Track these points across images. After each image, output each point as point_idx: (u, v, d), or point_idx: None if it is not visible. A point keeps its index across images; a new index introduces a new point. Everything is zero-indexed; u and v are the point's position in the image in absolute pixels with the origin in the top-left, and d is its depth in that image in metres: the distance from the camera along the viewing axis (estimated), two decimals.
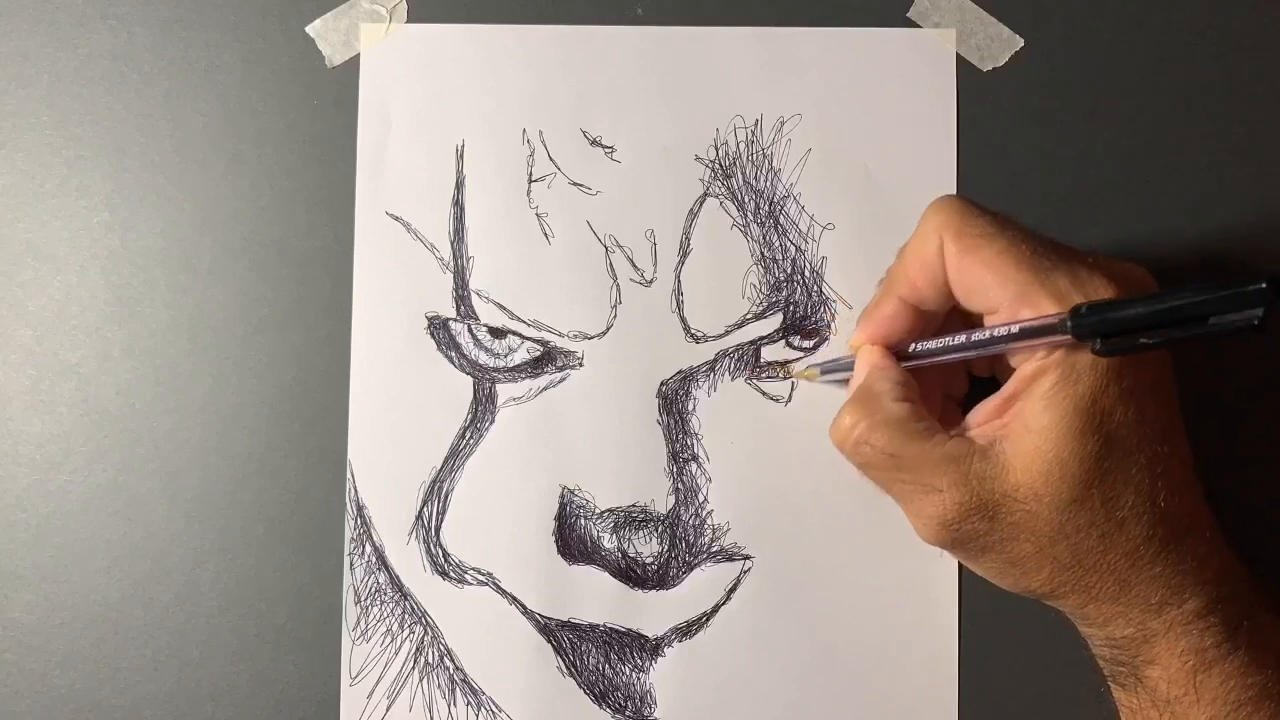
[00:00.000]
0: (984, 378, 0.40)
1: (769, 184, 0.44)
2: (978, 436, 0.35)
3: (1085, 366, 0.32)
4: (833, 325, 0.43)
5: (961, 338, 0.35)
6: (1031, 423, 0.33)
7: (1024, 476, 0.33)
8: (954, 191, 0.44)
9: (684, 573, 0.43)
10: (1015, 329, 0.33)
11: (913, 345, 0.38)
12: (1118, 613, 0.34)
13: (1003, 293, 0.34)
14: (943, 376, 0.40)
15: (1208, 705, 0.34)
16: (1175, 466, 0.34)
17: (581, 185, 0.44)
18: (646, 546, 0.43)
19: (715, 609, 0.43)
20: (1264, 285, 0.28)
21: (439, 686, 0.43)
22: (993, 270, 0.34)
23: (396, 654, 0.43)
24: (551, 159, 0.44)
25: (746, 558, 0.43)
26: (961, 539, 0.34)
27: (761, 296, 0.43)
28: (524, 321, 0.43)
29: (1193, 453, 0.35)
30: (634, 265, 0.43)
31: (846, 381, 0.41)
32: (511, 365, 0.44)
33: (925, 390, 0.39)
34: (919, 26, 0.44)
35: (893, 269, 0.38)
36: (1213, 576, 0.34)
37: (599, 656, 0.43)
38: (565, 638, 0.43)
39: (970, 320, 0.37)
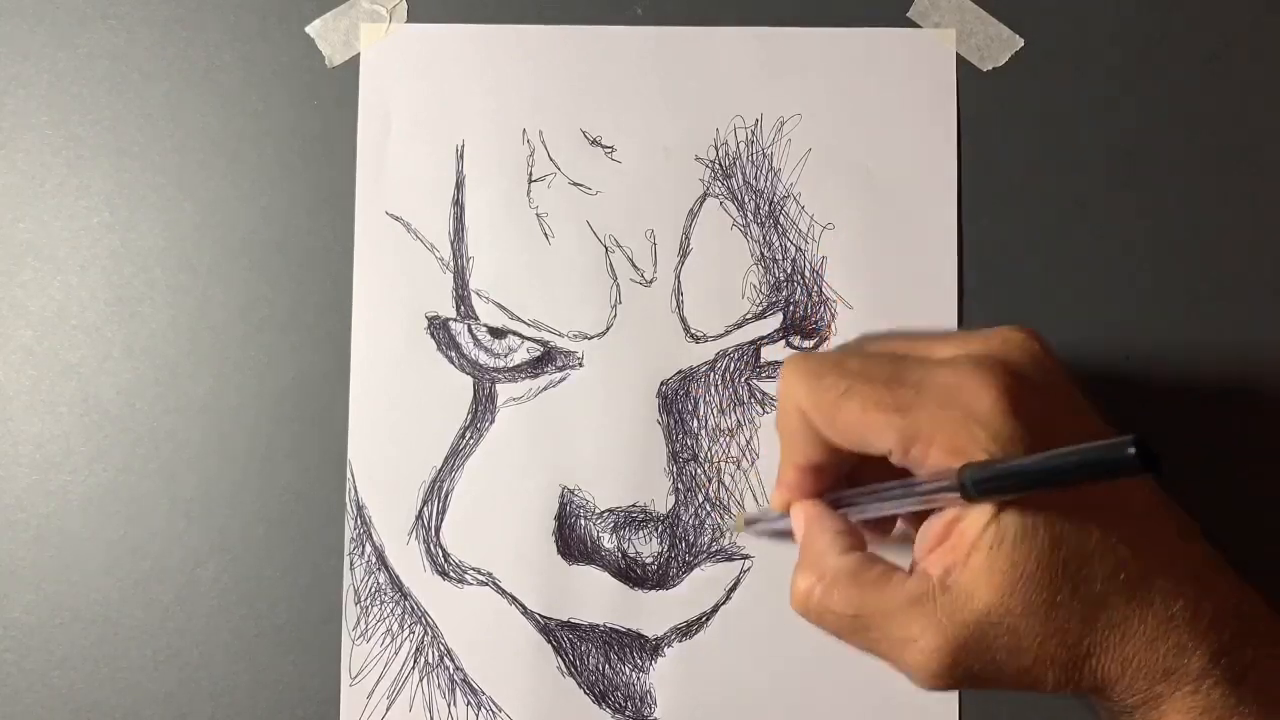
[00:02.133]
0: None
1: (769, 184, 0.44)
2: (931, 566, 0.32)
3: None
4: (833, 325, 0.43)
5: (876, 498, 0.35)
6: (979, 540, 0.31)
7: (990, 596, 0.31)
8: (954, 190, 0.43)
9: (684, 573, 0.43)
10: (918, 490, 0.32)
11: (835, 497, 0.36)
12: (1124, 685, 0.32)
13: (886, 440, 0.32)
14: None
15: None
16: (1134, 520, 0.32)
17: (581, 185, 0.44)
18: (646, 546, 0.43)
19: (715, 609, 0.43)
20: (1132, 452, 0.27)
21: (439, 686, 0.43)
22: (864, 425, 0.33)
23: (396, 654, 0.43)
24: (551, 159, 0.44)
25: (746, 558, 0.43)
26: (958, 678, 0.32)
27: (761, 296, 0.43)
28: (524, 321, 0.43)
29: (1157, 489, 0.34)
30: (634, 265, 0.43)
31: (775, 533, 0.40)
32: (511, 365, 0.44)
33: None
34: (919, 26, 0.44)
35: (781, 441, 0.36)
36: (1209, 625, 0.32)
37: (599, 656, 0.43)
38: (565, 638, 0.43)
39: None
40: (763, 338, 0.43)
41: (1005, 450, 0.31)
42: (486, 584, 0.43)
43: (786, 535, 0.37)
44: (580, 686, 0.43)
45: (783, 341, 0.43)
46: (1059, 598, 0.31)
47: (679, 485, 0.43)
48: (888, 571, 0.33)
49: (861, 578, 0.33)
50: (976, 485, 0.31)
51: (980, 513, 0.31)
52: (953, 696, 0.42)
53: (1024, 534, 0.31)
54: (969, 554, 0.32)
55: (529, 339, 0.43)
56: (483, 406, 0.43)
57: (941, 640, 0.32)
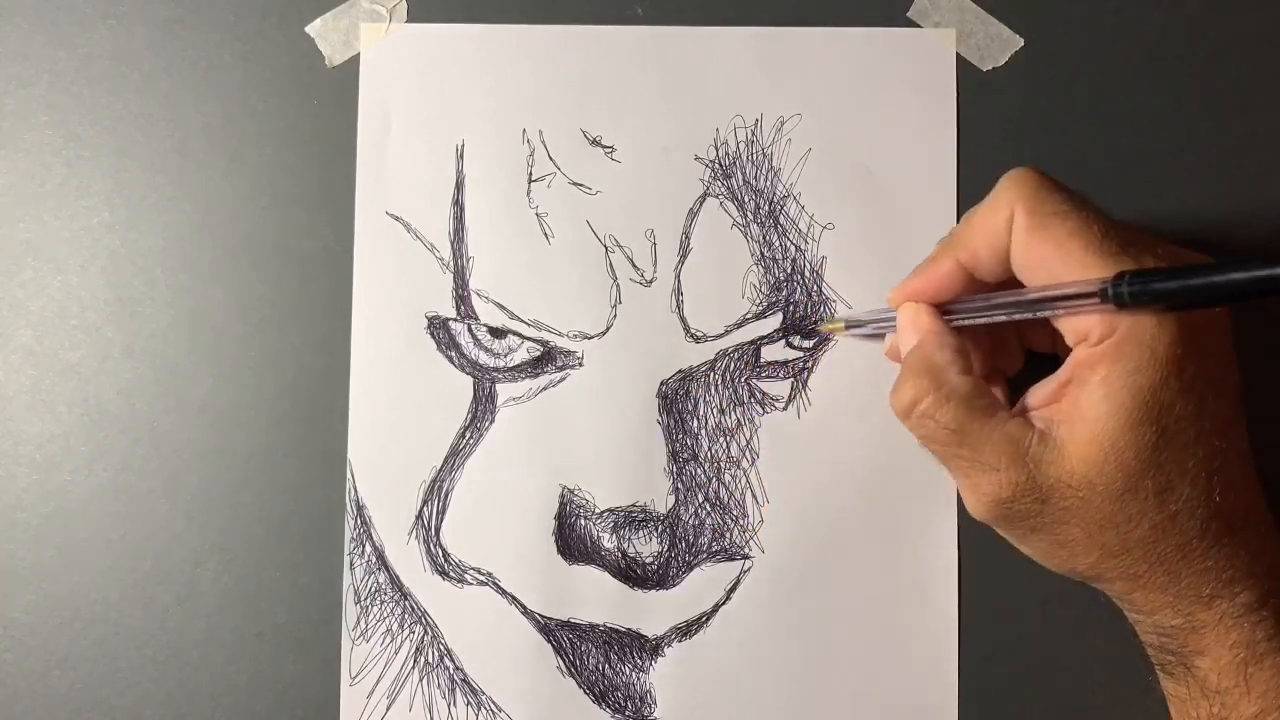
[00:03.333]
0: (1046, 354, 0.40)
1: (769, 184, 0.44)
2: (1036, 419, 0.34)
3: (1146, 358, 0.32)
4: None
5: (1000, 298, 0.35)
6: (1088, 410, 0.33)
7: (1079, 464, 0.33)
8: (954, 190, 0.44)
9: (684, 572, 0.43)
10: (1055, 292, 0.33)
11: (950, 304, 0.37)
12: (1166, 602, 0.34)
13: (1066, 273, 0.33)
14: (994, 349, 0.40)
15: (1259, 698, 0.34)
16: (1234, 462, 0.34)
17: (581, 185, 0.44)
18: (646, 546, 0.43)
19: (715, 609, 0.43)
20: None
21: (439, 686, 0.43)
22: (1060, 249, 0.33)
23: (396, 654, 0.43)
24: (551, 159, 0.44)
25: (746, 558, 0.43)
26: (1012, 517, 0.34)
27: (761, 296, 0.43)
28: (524, 321, 0.43)
29: (1250, 450, 0.35)
30: (634, 265, 0.43)
31: (871, 337, 0.41)
32: (511, 365, 0.44)
33: (978, 361, 0.39)
34: (919, 26, 0.44)
35: (955, 231, 0.37)
36: (1265, 571, 0.34)
37: (599, 656, 0.43)
38: (565, 638, 0.43)
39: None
40: (763, 337, 0.43)
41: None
42: (486, 584, 0.43)
43: (876, 338, 0.39)
44: (580, 686, 0.43)
45: (782, 341, 0.43)
46: (1138, 497, 0.33)
47: (679, 485, 0.43)
48: (995, 404, 0.35)
49: (974, 402, 0.35)
50: (1134, 294, 0.31)
51: (1106, 383, 0.32)
52: (952, 698, 0.42)
53: (1138, 423, 0.32)
54: (1077, 421, 0.33)
55: (529, 339, 0.43)
56: (483, 406, 0.43)
57: (1020, 478, 0.33)
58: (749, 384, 0.43)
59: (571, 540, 0.43)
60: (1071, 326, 0.34)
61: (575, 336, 0.43)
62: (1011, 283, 0.36)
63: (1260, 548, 0.34)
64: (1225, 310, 0.35)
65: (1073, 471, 0.33)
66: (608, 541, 0.43)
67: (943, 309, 0.37)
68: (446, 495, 0.43)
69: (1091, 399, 0.33)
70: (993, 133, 0.44)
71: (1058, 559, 0.35)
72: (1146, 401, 0.32)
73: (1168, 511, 0.33)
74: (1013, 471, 0.33)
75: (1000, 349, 0.40)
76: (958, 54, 0.44)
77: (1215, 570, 0.33)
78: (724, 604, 0.43)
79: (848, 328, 0.42)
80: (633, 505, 0.43)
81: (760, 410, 0.43)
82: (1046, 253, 0.34)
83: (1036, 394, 0.35)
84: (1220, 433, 0.33)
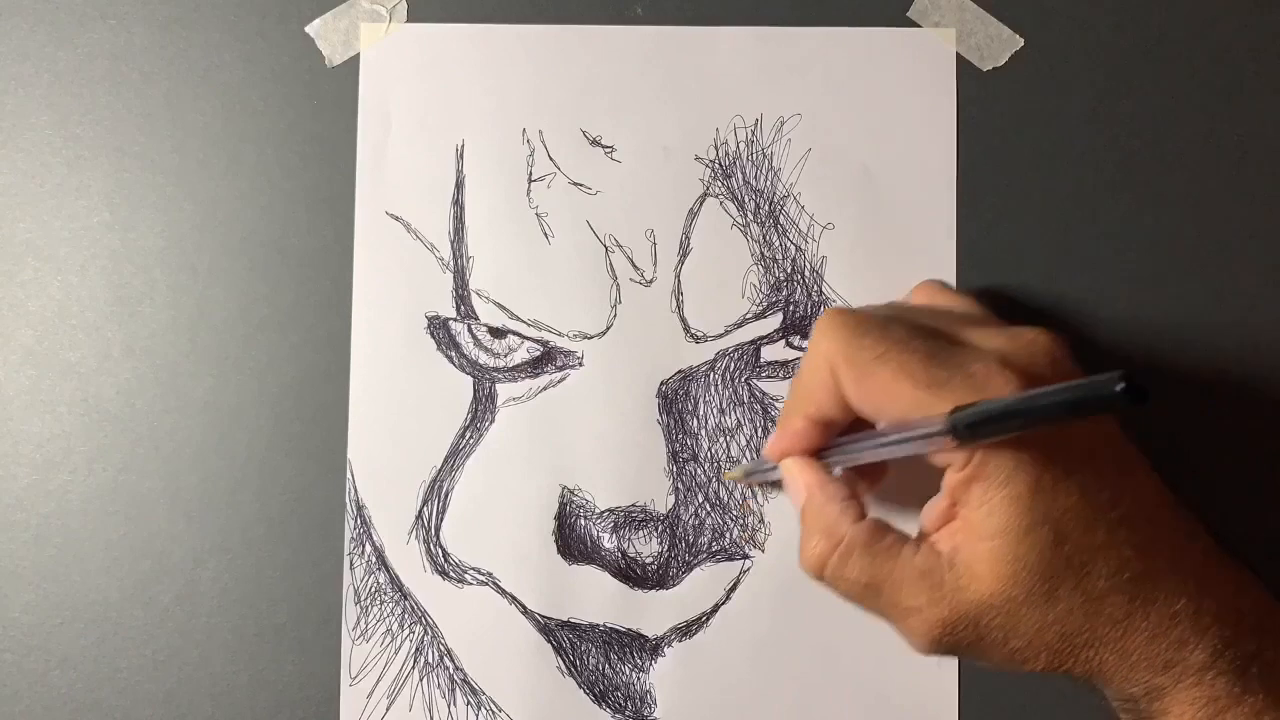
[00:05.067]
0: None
1: (769, 184, 0.44)
2: (940, 542, 0.34)
3: (1012, 468, 0.32)
4: None
5: (865, 441, 0.35)
6: (981, 530, 0.33)
7: (993, 584, 0.33)
8: (954, 190, 0.43)
9: (684, 572, 0.43)
10: (908, 434, 0.33)
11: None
12: (1123, 676, 0.34)
13: (905, 413, 0.33)
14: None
15: None
16: (1140, 522, 0.33)
17: (581, 185, 0.44)
18: (646, 546, 0.43)
19: (715, 609, 0.43)
20: (1121, 388, 0.28)
21: (439, 686, 0.43)
22: (890, 393, 0.34)
23: (396, 654, 0.43)
24: (551, 159, 0.44)
25: (746, 557, 0.43)
26: (956, 648, 0.34)
27: (761, 296, 0.43)
28: (524, 321, 0.43)
29: (1165, 491, 0.35)
30: (634, 265, 0.43)
31: (767, 484, 0.41)
32: (511, 365, 0.44)
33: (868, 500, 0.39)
34: (919, 26, 0.44)
35: (793, 389, 0.37)
36: (1212, 620, 0.33)
37: (599, 656, 0.43)
38: (565, 637, 0.43)
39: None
40: (763, 337, 0.43)
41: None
42: (486, 584, 0.43)
43: (777, 486, 0.38)
44: (580, 686, 0.43)
45: (782, 341, 0.43)
46: (1061, 590, 0.33)
47: (679, 485, 0.43)
48: (898, 541, 0.34)
49: (874, 547, 0.34)
50: (969, 428, 0.31)
51: (985, 502, 0.32)
52: (952, 698, 0.42)
53: (1029, 528, 0.32)
54: (974, 543, 0.33)
55: (529, 339, 0.44)
56: (483, 406, 0.43)
57: (944, 613, 0.33)
58: (749, 384, 0.43)
59: (571, 540, 0.43)
60: (936, 456, 0.34)
61: (575, 336, 0.43)
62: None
63: (1199, 594, 0.33)
64: (1063, 355, 0.35)
65: (991, 592, 0.33)
66: (608, 541, 0.43)
67: (820, 455, 0.37)
68: (446, 495, 0.43)
69: (979, 518, 0.33)
70: (993, 133, 0.44)
71: (1011, 667, 0.34)
72: (1029, 506, 0.32)
73: (1093, 594, 0.33)
74: (936, 608, 0.33)
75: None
76: (958, 54, 0.44)
77: (1162, 634, 0.33)
78: (724, 604, 0.43)
79: (746, 476, 0.42)
80: (633, 505, 0.43)
81: (760, 410, 0.43)
82: (879, 399, 0.34)
83: (930, 515, 0.35)
84: (1113, 503, 0.33)
